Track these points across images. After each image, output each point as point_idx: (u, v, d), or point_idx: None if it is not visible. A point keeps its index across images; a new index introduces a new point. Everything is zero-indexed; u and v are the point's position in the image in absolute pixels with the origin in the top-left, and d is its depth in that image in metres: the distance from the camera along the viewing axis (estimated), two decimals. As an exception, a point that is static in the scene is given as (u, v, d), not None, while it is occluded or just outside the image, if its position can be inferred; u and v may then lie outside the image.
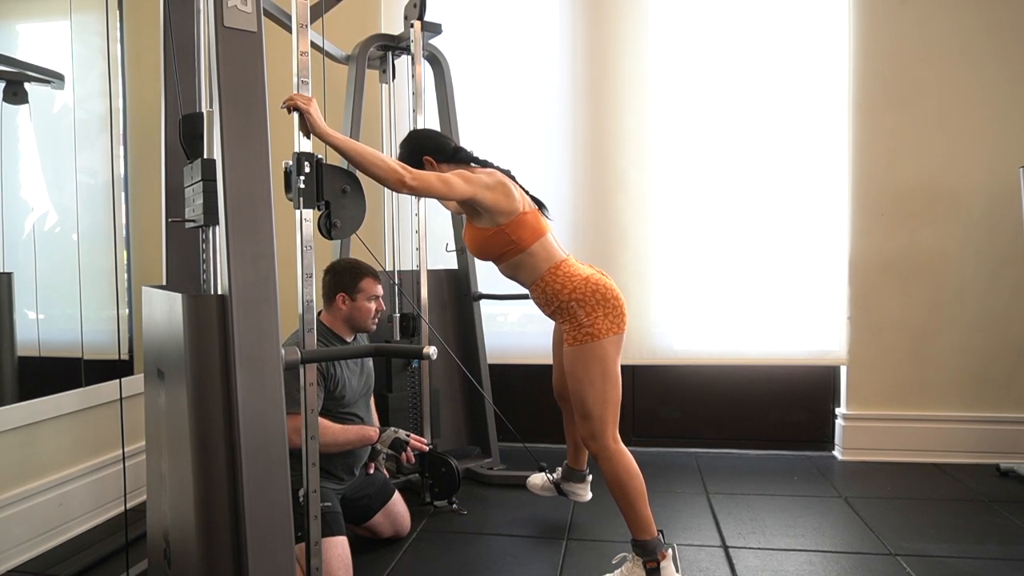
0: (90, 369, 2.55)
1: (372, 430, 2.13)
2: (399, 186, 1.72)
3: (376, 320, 2.26)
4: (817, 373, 3.36)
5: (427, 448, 2.21)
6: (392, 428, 2.19)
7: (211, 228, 1.46)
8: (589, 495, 2.48)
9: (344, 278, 2.20)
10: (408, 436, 2.16)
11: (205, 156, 1.43)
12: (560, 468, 2.51)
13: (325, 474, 2.12)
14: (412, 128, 2.80)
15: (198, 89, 1.61)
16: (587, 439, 1.92)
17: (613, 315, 1.90)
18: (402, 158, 2.02)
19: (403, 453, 2.13)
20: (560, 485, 2.48)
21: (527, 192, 2.00)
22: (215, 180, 1.30)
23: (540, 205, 2.02)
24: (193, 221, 1.45)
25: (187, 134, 1.48)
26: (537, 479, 2.54)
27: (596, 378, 1.87)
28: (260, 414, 1.26)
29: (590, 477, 2.48)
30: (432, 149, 2.00)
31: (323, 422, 2.03)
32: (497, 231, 1.90)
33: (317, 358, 1.57)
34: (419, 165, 1.98)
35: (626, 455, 1.92)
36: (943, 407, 3.17)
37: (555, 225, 2.05)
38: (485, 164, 2.02)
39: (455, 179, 1.82)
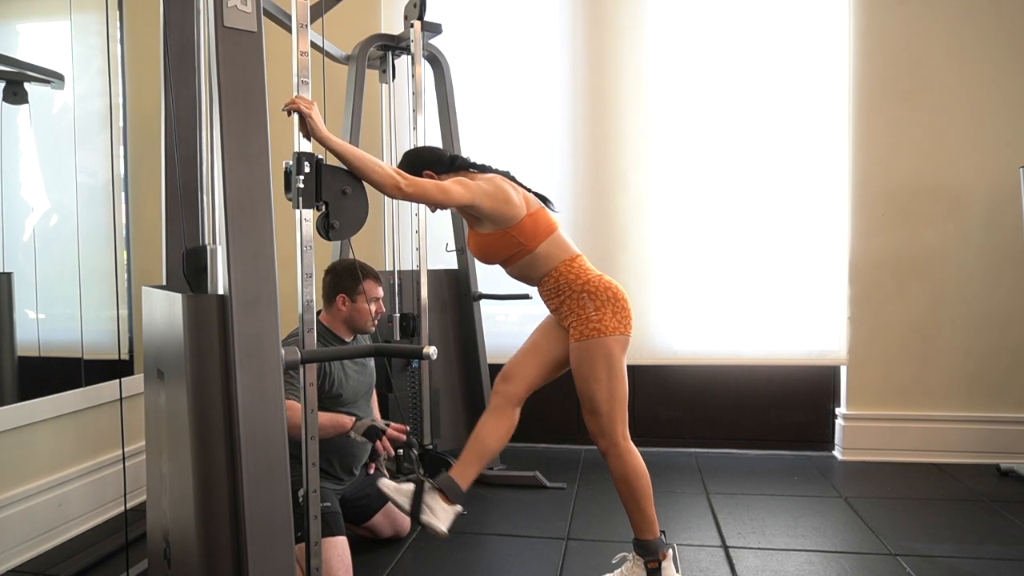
0: (90, 369, 2.55)
1: (347, 418, 2.03)
2: (395, 192, 1.72)
3: (376, 322, 2.26)
4: (817, 373, 3.35)
5: (405, 437, 2.03)
6: (371, 419, 2.07)
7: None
8: (444, 528, 1.79)
9: (345, 279, 2.19)
10: (387, 425, 2.02)
11: (209, 291, 1.37)
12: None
13: (325, 474, 2.12)
14: (412, 128, 2.81)
15: (198, 89, 1.61)
16: (596, 435, 1.93)
17: (621, 315, 1.90)
18: None
19: (378, 441, 1.97)
20: (423, 491, 1.82)
21: (529, 190, 1.99)
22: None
23: (545, 200, 2.02)
24: None
25: (191, 268, 1.40)
26: (390, 482, 1.87)
27: (602, 375, 1.88)
28: (260, 414, 1.26)
29: (458, 510, 1.85)
30: (430, 162, 1.98)
31: (296, 406, 1.87)
32: (503, 234, 1.90)
33: (317, 358, 1.57)
34: None
35: (635, 454, 1.93)
36: (943, 407, 3.17)
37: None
38: (484, 168, 2.01)
39: (452, 186, 1.82)
